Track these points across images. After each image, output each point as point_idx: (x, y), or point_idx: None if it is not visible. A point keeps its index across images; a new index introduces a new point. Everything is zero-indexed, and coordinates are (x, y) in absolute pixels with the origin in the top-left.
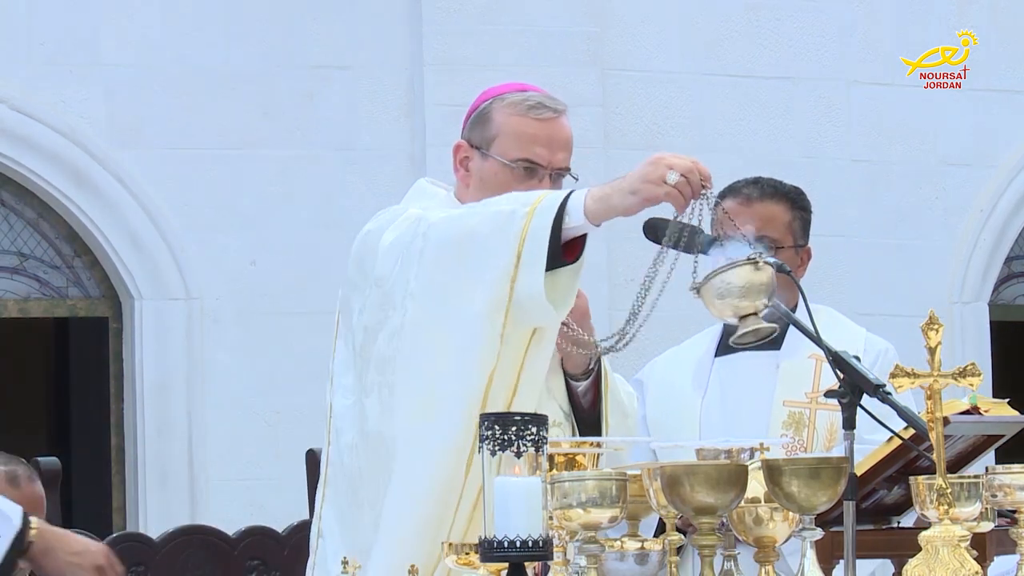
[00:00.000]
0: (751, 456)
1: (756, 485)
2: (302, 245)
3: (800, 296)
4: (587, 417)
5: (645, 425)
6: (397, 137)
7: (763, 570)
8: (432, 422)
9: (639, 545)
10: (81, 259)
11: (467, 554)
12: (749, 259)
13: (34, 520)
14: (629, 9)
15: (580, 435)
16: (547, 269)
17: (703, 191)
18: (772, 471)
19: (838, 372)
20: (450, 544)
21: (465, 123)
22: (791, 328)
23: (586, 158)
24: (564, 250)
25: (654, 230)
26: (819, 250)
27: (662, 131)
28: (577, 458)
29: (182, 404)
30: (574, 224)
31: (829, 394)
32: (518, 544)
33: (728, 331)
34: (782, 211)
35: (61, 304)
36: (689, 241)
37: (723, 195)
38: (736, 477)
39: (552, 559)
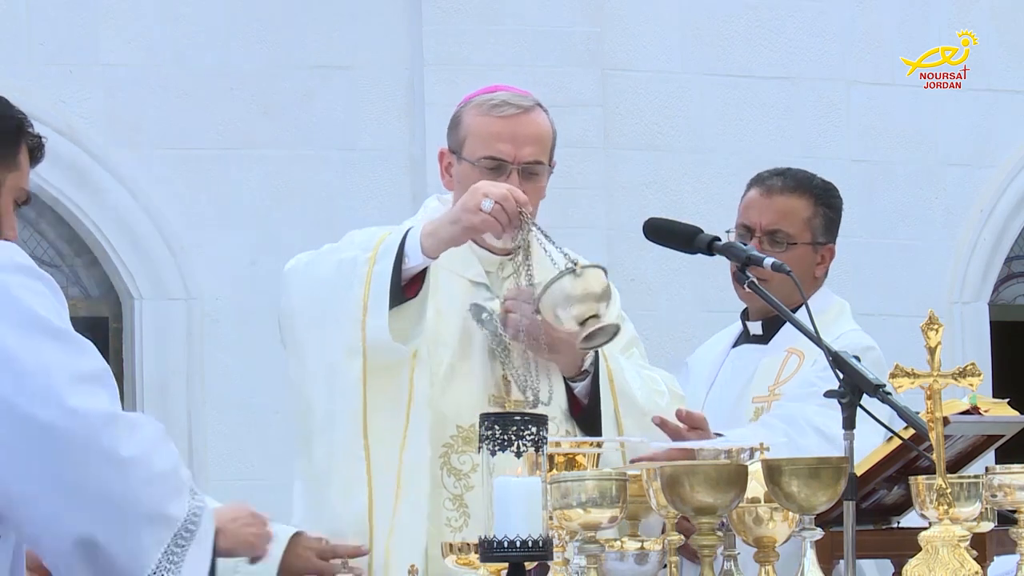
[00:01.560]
0: (751, 456)
1: (756, 485)
2: (302, 245)
3: (802, 296)
4: (585, 416)
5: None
6: (397, 137)
7: (763, 570)
8: (317, 466)
9: (639, 545)
10: (81, 259)
11: (467, 554)
12: (566, 270)
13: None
14: (629, 9)
15: (581, 434)
16: (393, 306)
17: (520, 216)
18: (772, 471)
19: (838, 372)
20: (450, 544)
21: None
22: (785, 324)
23: (587, 158)
24: (409, 285)
25: (655, 231)
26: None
27: (662, 131)
28: (577, 458)
29: (182, 404)
30: (412, 264)
31: (829, 394)
32: (518, 544)
33: (744, 323)
34: (803, 206)
35: None
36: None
37: (751, 183)
38: (736, 477)
39: (552, 559)
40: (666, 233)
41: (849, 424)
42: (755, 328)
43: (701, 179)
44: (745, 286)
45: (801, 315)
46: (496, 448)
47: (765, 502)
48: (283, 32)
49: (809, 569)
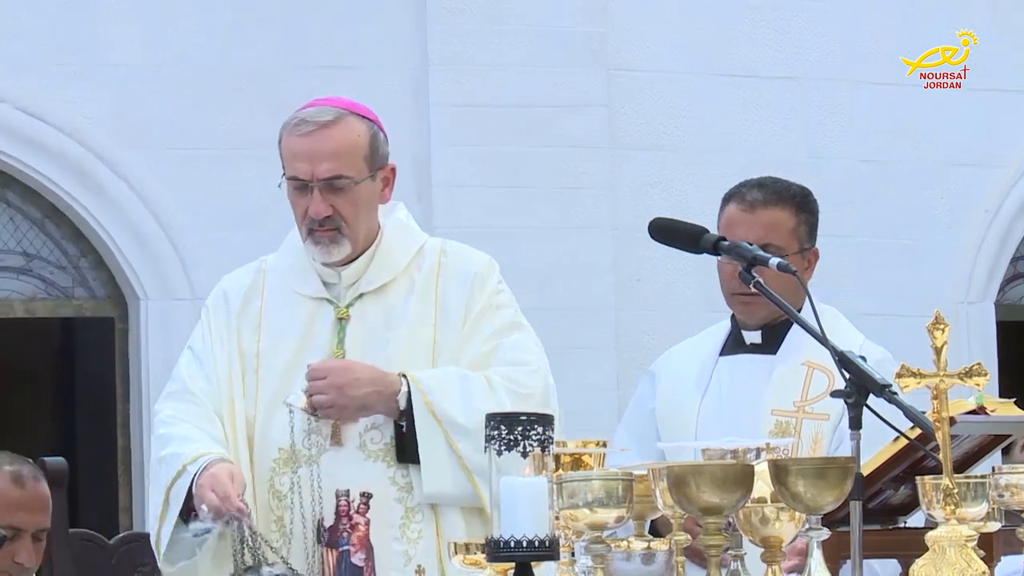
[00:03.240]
0: (757, 456)
1: (763, 485)
2: None
3: (807, 298)
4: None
5: (654, 418)
6: (402, 137)
7: (770, 570)
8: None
9: (645, 545)
10: (87, 259)
11: (474, 553)
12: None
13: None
14: (634, 9)
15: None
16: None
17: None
18: (779, 471)
19: (844, 372)
20: (455, 544)
21: None
22: (789, 333)
23: (591, 158)
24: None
25: (660, 231)
26: (824, 250)
27: (667, 131)
28: (583, 458)
29: None
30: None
31: (836, 394)
32: (524, 544)
33: (736, 330)
34: (787, 217)
35: (67, 304)
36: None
37: (728, 198)
38: (742, 477)
39: (558, 559)
40: (671, 233)
41: (855, 424)
42: (753, 337)
43: (706, 179)
44: (751, 286)
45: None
46: (502, 448)
47: (772, 502)
48: (288, 32)
49: (816, 569)
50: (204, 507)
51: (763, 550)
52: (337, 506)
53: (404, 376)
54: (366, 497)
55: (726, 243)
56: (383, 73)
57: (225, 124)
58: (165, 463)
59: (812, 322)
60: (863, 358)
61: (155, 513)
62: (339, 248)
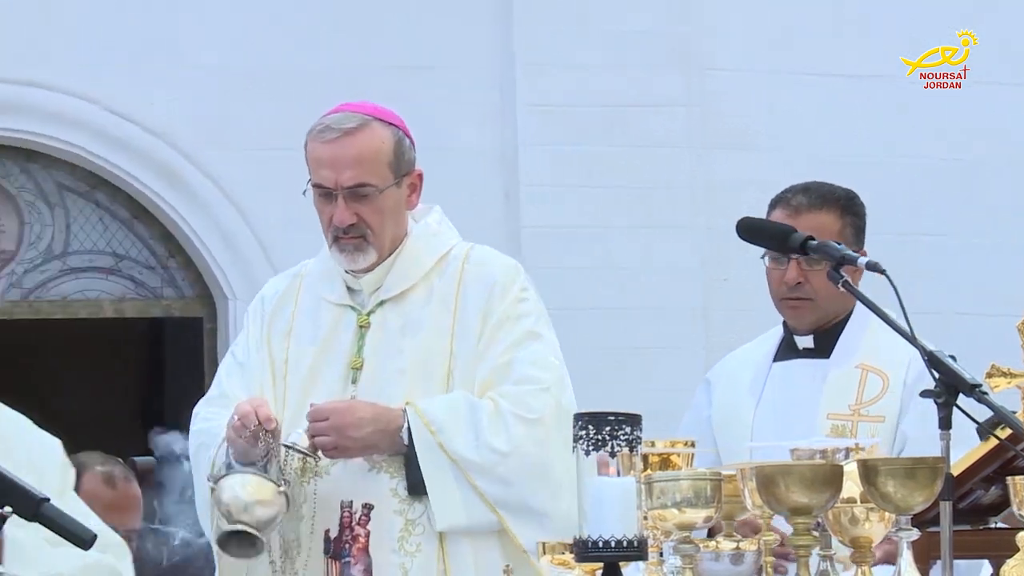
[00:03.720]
0: (846, 456)
1: (852, 485)
2: None
3: (897, 296)
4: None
5: (710, 426)
6: (489, 137)
7: (859, 571)
8: None
9: (734, 545)
10: (175, 259)
11: (562, 554)
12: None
13: None
14: (718, 9)
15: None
16: None
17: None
18: (868, 471)
19: (934, 372)
20: (543, 544)
21: None
22: (842, 336)
23: (673, 158)
24: None
25: (748, 230)
26: (914, 249)
27: (750, 130)
28: (671, 458)
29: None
30: None
31: (925, 394)
32: (613, 544)
33: (788, 335)
34: (832, 220)
35: (156, 304)
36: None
37: (774, 204)
38: (831, 477)
39: (647, 559)
40: (759, 232)
41: (945, 424)
42: (806, 342)
43: (792, 178)
44: (839, 286)
45: (860, 323)
46: (590, 448)
47: (861, 502)
48: (373, 32)
49: (906, 570)
50: (235, 416)
51: (852, 551)
52: (341, 517)
53: (407, 408)
54: (368, 508)
55: (814, 243)
56: (469, 73)
57: (309, 123)
58: (204, 447)
59: (864, 324)
60: (953, 357)
61: (204, 506)
62: (364, 256)
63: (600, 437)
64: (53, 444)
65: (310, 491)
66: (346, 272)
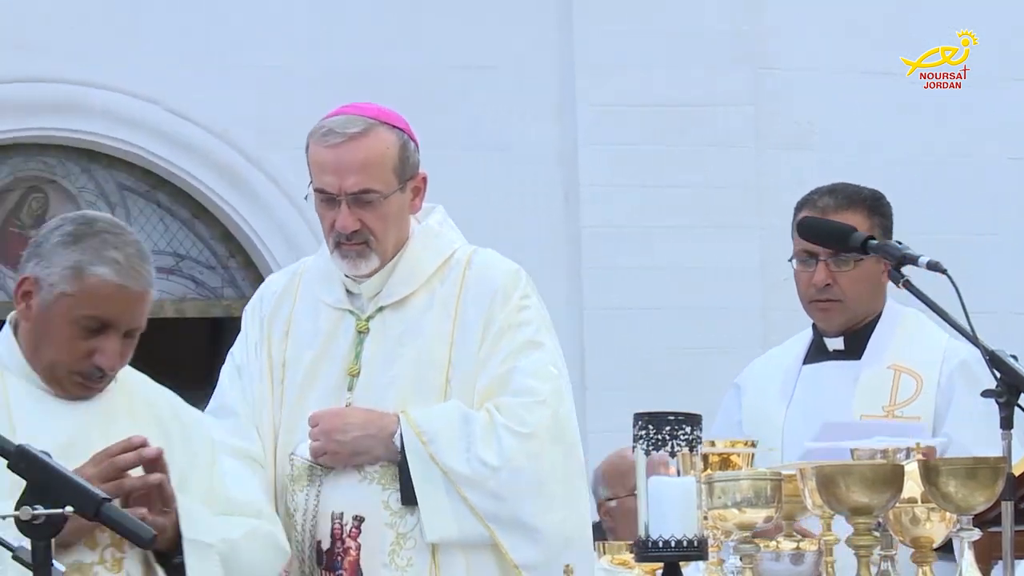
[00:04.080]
0: (907, 456)
1: (913, 485)
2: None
3: (958, 295)
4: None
5: (740, 431)
6: (548, 137)
7: (920, 571)
8: None
9: (795, 545)
10: (235, 259)
11: (622, 553)
12: None
13: None
14: (781, 7)
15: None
16: None
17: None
18: (929, 471)
19: (995, 372)
20: (602, 544)
21: None
22: (873, 337)
23: (737, 157)
24: None
25: (809, 230)
26: (972, 249)
27: (811, 130)
28: (731, 458)
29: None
30: None
31: (986, 394)
32: (673, 544)
33: (818, 338)
34: (859, 221)
35: (216, 304)
36: None
37: (801, 206)
38: (892, 477)
39: (707, 559)
40: (821, 232)
41: (1007, 424)
42: (836, 343)
43: (853, 178)
44: (900, 285)
45: (889, 323)
46: (650, 448)
47: (922, 502)
48: (434, 33)
49: (967, 570)
50: None
51: (913, 551)
52: (332, 529)
53: (400, 416)
54: (358, 521)
55: (875, 242)
56: (529, 73)
57: None
58: None
59: (894, 325)
60: (1014, 357)
61: None
62: (367, 262)
63: (660, 437)
64: (202, 418)
65: (301, 501)
66: (346, 276)
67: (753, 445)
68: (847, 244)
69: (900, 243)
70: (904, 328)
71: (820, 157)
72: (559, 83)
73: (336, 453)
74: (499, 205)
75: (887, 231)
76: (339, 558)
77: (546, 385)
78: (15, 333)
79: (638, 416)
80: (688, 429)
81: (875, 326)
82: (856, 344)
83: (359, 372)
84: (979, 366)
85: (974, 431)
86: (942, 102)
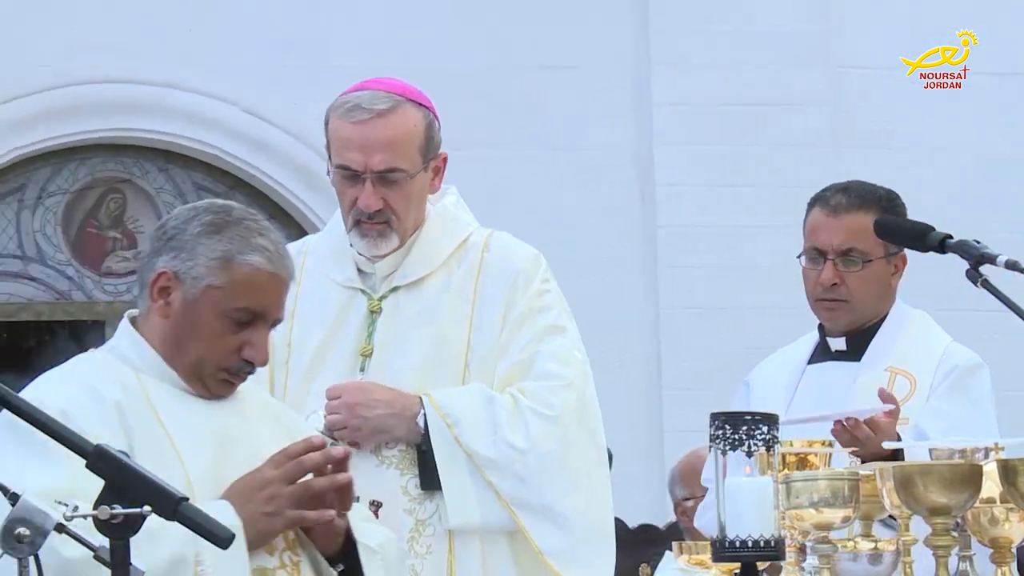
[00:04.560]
0: (985, 456)
1: (992, 485)
2: (529, 244)
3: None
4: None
5: None
6: (624, 136)
7: (999, 571)
8: None
9: (872, 545)
10: None
11: (698, 554)
12: None
13: None
14: (858, 5)
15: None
16: None
17: None
18: (1008, 471)
19: None
20: (680, 545)
21: None
22: (874, 339)
23: (815, 157)
24: None
25: (886, 229)
26: None
27: (888, 129)
28: (808, 457)
29: None
30: None
31: None
32: (750, 544)
33: (823, 338)
34: (871, 221)
35: None
36: None
37: (813, 203)
38: (970, 477)
39: (784, 559)
40: (897, 231)
41: None
42: (838, 344)
43: (931, 177)
44: (979, 284)
45: (894, 325)
46: (727, 447)
47: (1001, 502)
48: (509, 32)
49: None
50: None
51: (992, 551)
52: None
53: (423, 398)
54: (376, 506)
55: (952, 241)
56: (604, 72)
57: (445, 124)
58: None
59: (899, 327)
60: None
61: None
62: (387, 242)
63: (737, 437)
64: (297, 417)
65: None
66: (360, 255)
67: (831, 445)
68: (924, 243)
69: (978, 242)
70: (908, 331)
71: (897, 156)
72: (635, 83)
73: (358, 429)
74: (575, 205)
75: None
76: None
77: (570, 369)
78: (139, 332)
79: (715, 416)
80: (765, 429)
81: (878, 328)
82: (857, 345)
83: (372, 352)
84: (973, 374)
85: (943, 426)
86: (1017, 99)
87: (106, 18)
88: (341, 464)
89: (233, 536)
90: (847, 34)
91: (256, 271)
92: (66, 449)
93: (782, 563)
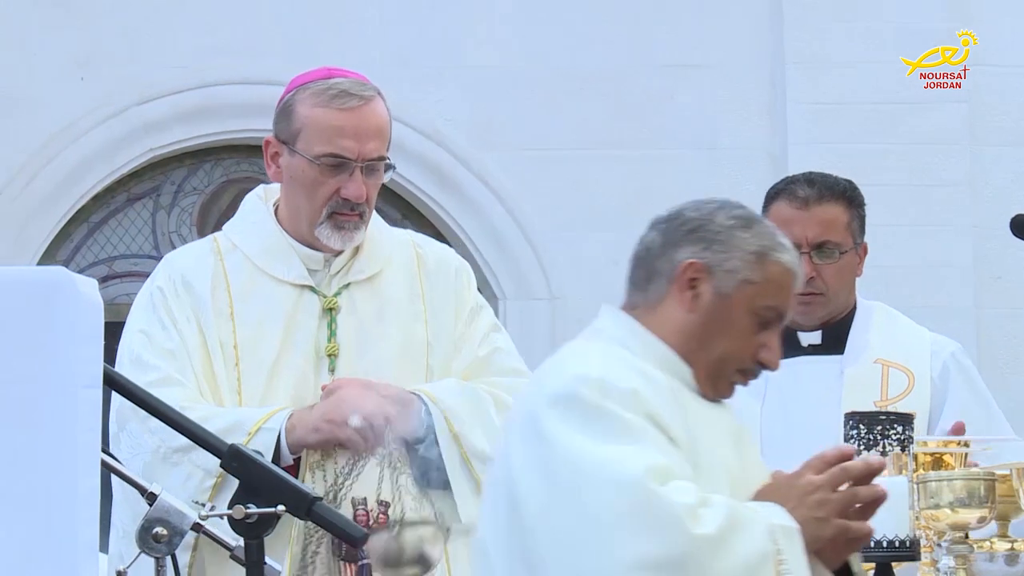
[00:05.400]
0: None
1: None
2: None
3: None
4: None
5: None
6: (757, 135)
7: None
8: None
9: (1009, 546)
10: None
11: None
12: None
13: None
14: (996, 2)
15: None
16: None
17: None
18: None
19: None
20: None
21: (275, 115)
22: (852, 332)
23: (952, 155)
24: None
25: (1022, 227)
26: None
27: None
28: (944, 457)
29: None
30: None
31: None
32: (885, 544)
33: (789, 332)
34: (840, 212)
35: None
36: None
37: (776, 196)
38: None
39: (920, 559)
40: None
41: None
42: (812, 338)
43: None
44: None
45: (864, 318)
46: (862, 447)
47: None
48: (641, 32)
49: None
50: (355, 416)
51: None
52: (355, 515)
53: (419, 393)
54: (384, 506)
55: None
56: (737, 71)
57: (579, 124)
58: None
59: (868, 319)
60: None
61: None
62: (358, 235)
63: (872, 437)
64: None
65: (320, 487)
66: (313, 251)
67: (967, 445)
68: None
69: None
70: (879, 323)
71: None
72: (770, 81)
73: (382, 434)
74: None
75: (863, 222)
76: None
77: (523, 366)
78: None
79: (849, 416)
80: (900, 429)
81: (851, 320)
82: (834, 339)
83: (338, 352)
84: (967, 357)
85: (972, 422)
86: None
87: (241, 20)
88: (874, 474)
89: (366, 536)
90: (982, 31)
91: (786, 270)
92: (644, 426)
93: (918, 563)
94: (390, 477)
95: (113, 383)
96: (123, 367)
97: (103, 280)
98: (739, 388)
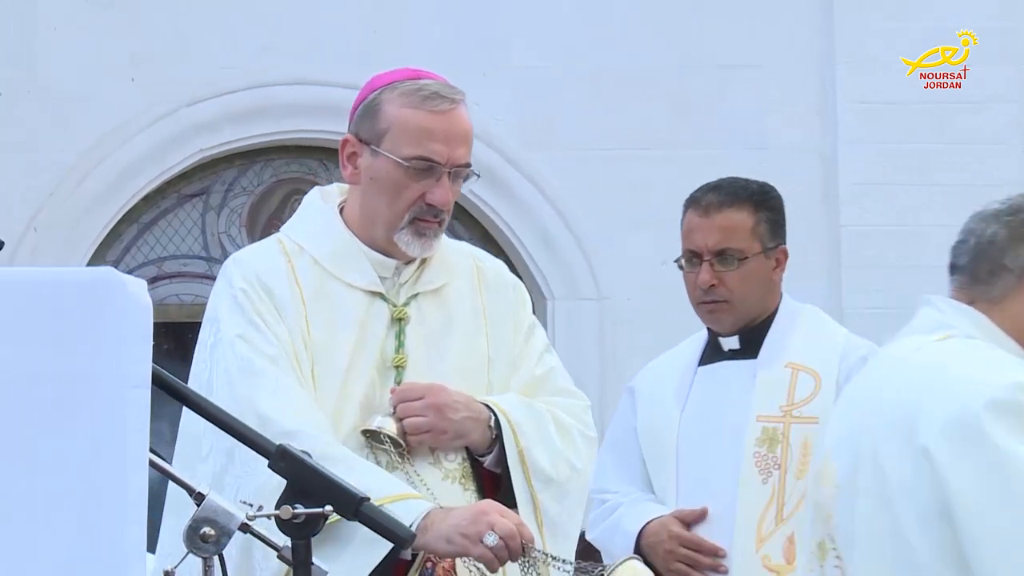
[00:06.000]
0: None
1: None
2: None
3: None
4: (494, 484)
5: (635, 436)
6: (809, 135)
7: None
8: None
9: None
10: None
11: None
12: None
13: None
14: None
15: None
16: None
17: (524, 555)
18: None
19: None
20: None
21: (352, 115)
22: (768, 336)
23: (1002, 155)
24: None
25: None
26: None
27: None
28: None
29: (595, 405)
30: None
31: None
32: None
33: (713, 338)
34: (744, 217)
35: None
36: None
37: (687, 205)
38: None
39: None
40: None
41: None
42: (731, 343)
43: None
44: None
45: (785, 321)
46: None
47: None
48: (692, 31)
49: None
50: (492, 535)
51: None
52: None
53: (489, 403)
54: None
55: None
56: (788, 71)
57: (629, 124)
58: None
59: (792, 322)
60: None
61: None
62: (436, 243)
63: None
64: None
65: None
66: (386, 257)
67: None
68: None
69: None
70: (800, 327)
71: None
72: (819, 81)
73: (443, 432)
74: None
75: (777, 225)
76: (430, 564)
77: (574, 386)
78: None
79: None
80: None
81: (771, 324)
82: (752, 343)
83: (405, 363)
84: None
85: None
86: None
87: (290, 20)
88: None
89: (414, 536)
90: None
91: None
92: None
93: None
94: (454, 492)
95: (163, 384)
96: (231, 375)
97: (152, 281)
98: (664, 396)
